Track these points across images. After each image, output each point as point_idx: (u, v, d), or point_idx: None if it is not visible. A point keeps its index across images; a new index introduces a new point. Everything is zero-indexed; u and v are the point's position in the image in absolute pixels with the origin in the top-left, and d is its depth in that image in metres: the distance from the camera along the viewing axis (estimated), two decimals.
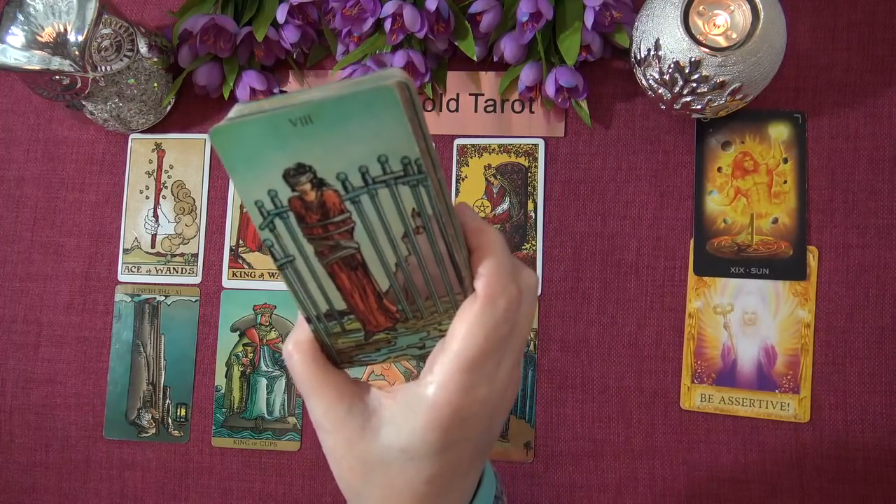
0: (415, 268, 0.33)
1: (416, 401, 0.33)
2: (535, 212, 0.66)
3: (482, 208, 0.66)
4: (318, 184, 0.30)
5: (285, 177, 0.29)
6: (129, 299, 0.69)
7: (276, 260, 0.32)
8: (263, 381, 0.67)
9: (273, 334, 0.68)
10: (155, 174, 0.71)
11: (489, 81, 0.67)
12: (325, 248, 0.32)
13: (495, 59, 0.65)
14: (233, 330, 0.68)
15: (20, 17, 0.60)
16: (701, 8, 0.55)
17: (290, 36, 0.65)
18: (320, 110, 0.28)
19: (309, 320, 0.34)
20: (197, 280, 0.69)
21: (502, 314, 0.32)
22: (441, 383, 0.32)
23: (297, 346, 0.35)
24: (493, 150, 0.67)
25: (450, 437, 0.33)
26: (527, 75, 0.63)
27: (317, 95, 0.28)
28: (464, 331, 0.32)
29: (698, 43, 0.54)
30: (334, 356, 0.36)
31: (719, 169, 0.64)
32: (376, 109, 0.28)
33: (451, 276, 0.33)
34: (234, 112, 0.29)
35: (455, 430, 0.33)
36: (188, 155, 0.70)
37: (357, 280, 0.33)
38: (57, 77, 0.62)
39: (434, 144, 0.31)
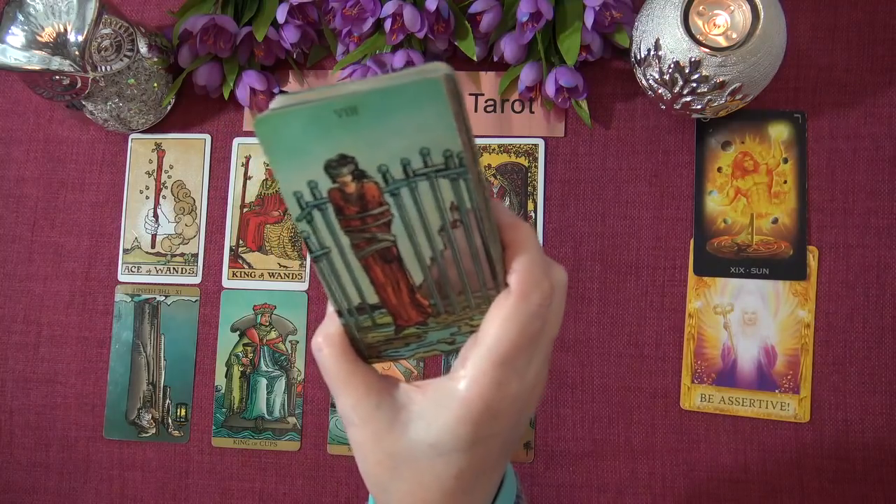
0: (450, 262, 0.32)
1: (447, 395, 0.33)
2: (535, 212, 0.66)
3: None
4: (359, 176, 0.30)
5: (327, 168, 0.29)
6: (129, 299, 0.69)
7: (311, 252, 0.32)
8: (263, 381, 0.67)
9: (273, 334, 0.68)
10: (155, 174, 0.71)
11: (489, 81, 0.67)
12: (361, 240, 0.32)
13: (495, 59, 0.65)
14: (233, 330, 0.68)
15: (20, 17, 0.60)
16: (701, 8, 0.55)
17: (290, 36, 0.65)
18: (366, 102, 0.28)
19: (340, 314, 0.34)
20: (197, 280, 0.69)
21: (535, 310, 0.32)
22: (474, 378, 0.32)
23: (328, 339, 0.35)
24: (493, 150, 0.67)
25: (480, 432, 0.33)
26: (527, 75, 0.63)
27: (362, 87, 0.28)
28: (497, 325, 0.32)
29: (698, 43, 0.54)
30: (363, 350, 0.36)
31: (719, 169, 0.64)
32: (421, 102, 0.28)
33: (485, 270, 0.33)
34: (277, 102, 0.29)
35: (485, 426, 0.33)
36: (188, 155, 0.70)
37: (391, 273, 0.33)
38: (57, 77, 0.62)
39: (475, 138, 0.31)
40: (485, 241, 0.32)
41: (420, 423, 0.33)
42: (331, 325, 0.35)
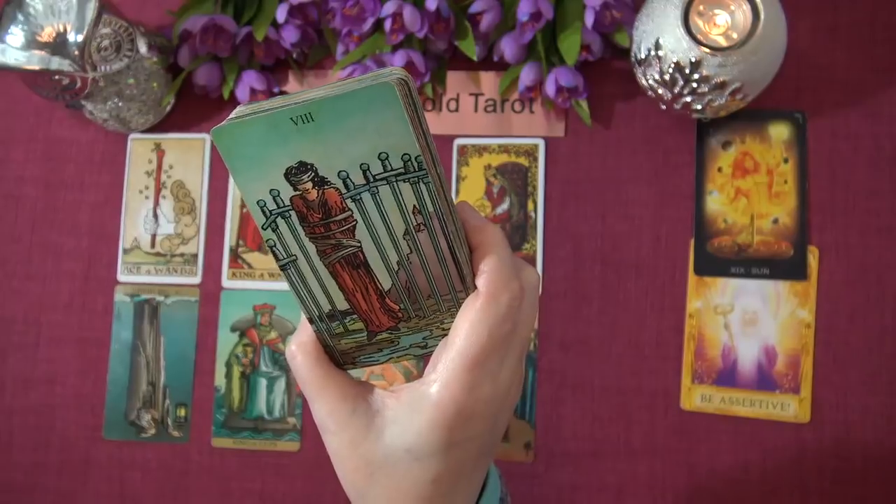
0: (417, 266, 0.33)
1: (420, 400, 0.33)
2: (535, 212, 0.66)
3: (482, 208, 0.66)
4: (320, 182, 0.30)
5: (287, 176, 0.30)
6: (129, 299, 0.69)
7: (278, 260, 0.32)
8: (263, 381, 0.67)
9: (273, 334, 0.68)
10: (154, 174, 0.71)
11: (489, 81, 0.67)
12: (327, 247, 0.32)
13: (495, 59, 0.65)
14: (233, 330, 0.68)
15: (20, 16, 0.60)
16: (701, 8, 0.55)
17: (289, 36, 0.65)
18: (321, 108, 0.28)
19: (311, 321, 0.34)
20: (197, 280, 0.69)
21: (505, 311, 0.32)
22: (445, 382, 0.32)
23: (300, 347, 0.35)
24: (494, 150, 0.67)
25: (454, 435, 0.33)
26: (527, 75, 0.63)
27: (317, 94, 0.28)
28: (466, 328, 0.32)
29: (698, 43, 0.54)
30: (337, 357, 0.36)
31: (719, 169, 0.64)
32: (377, 107, 0.28)
33: (452, 273, 0.33)
34: (235, 112, 0.29)
35: (459, 429, 0.33)
36: (188, 155, 0.70)
37: (359, 279, 0.33)
38: (57, 77, 0.62)
39: (433, 141, 0.31)
40: (450, 244, 0.32)
41: (395, 427, 0.33)
42: (303, 333, 0.35)
